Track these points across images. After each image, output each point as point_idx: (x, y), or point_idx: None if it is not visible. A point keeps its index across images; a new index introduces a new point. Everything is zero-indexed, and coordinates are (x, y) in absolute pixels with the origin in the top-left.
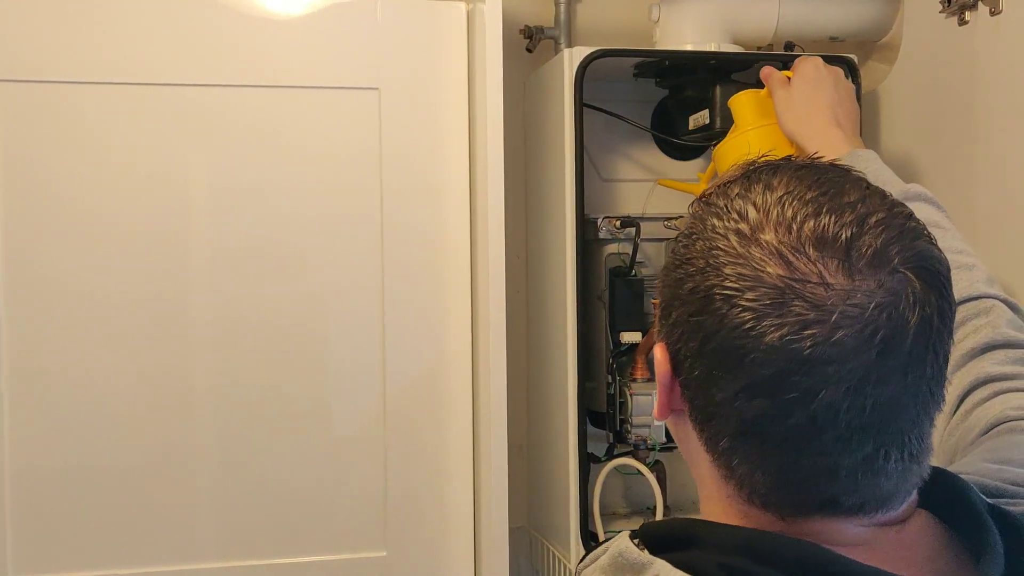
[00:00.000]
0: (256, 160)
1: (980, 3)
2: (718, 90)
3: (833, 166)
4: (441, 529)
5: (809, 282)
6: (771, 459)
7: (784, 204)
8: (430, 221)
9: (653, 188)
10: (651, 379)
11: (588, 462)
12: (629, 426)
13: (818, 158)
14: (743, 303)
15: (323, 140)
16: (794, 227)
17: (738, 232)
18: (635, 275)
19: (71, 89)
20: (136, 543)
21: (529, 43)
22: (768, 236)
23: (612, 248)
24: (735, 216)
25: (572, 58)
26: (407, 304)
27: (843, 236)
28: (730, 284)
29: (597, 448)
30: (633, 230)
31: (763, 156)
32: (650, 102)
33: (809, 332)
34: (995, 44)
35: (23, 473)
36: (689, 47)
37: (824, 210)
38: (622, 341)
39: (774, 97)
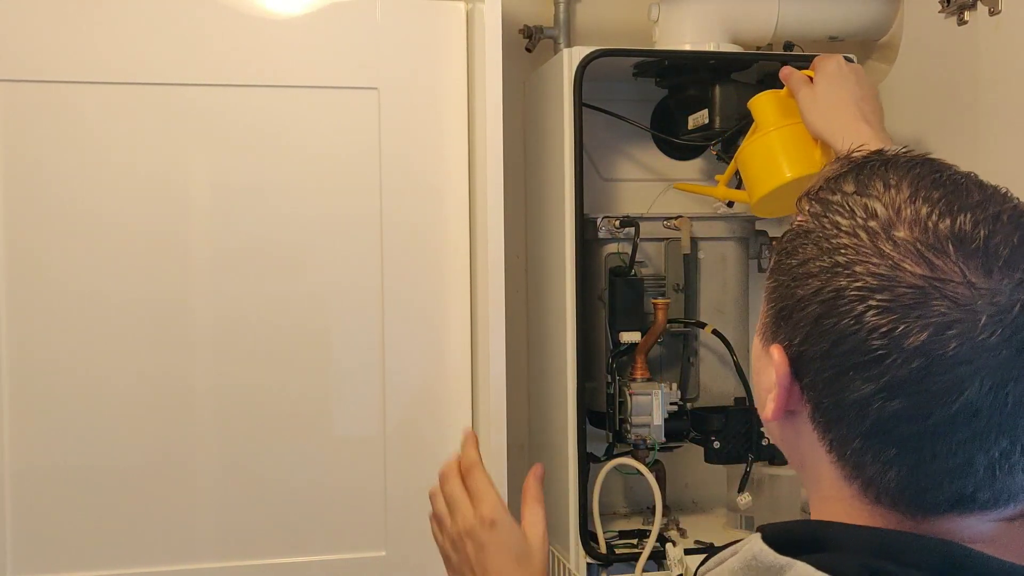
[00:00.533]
0: (256, 160)
1: (979, 3)
2: (717, 90)
3: (939, 162)
4: None
5: (952, 281)
6: (907, 458)
7: (916, 202)
8: (430, 221)
9: (665, 189)
10: (651, 379)
11: (587, 462)
12: (629, 426)
13: (910, 152)
14: (879, 303)
15: (323, 140)
16: (930, 225)
17: (867, 230)
18: (635, 275)
19: (71, 89)
20: (136, 543)
21: (528, 43)
22: (903, 234)
23: (612, 248)
24: (861, 213)
25: (571, 58)
26: (407, 304)
27: (980, 234)
28: (863, 284)
29: (597, 448)
30: (633, 230)
31: (857, 149)
32: (650, 102)
33: (952, 332)
34: (994, 44)
35: (23, 473)
36: (688, 47)
37: (956, 208)
38: (622, 341)
39: (797, 96)
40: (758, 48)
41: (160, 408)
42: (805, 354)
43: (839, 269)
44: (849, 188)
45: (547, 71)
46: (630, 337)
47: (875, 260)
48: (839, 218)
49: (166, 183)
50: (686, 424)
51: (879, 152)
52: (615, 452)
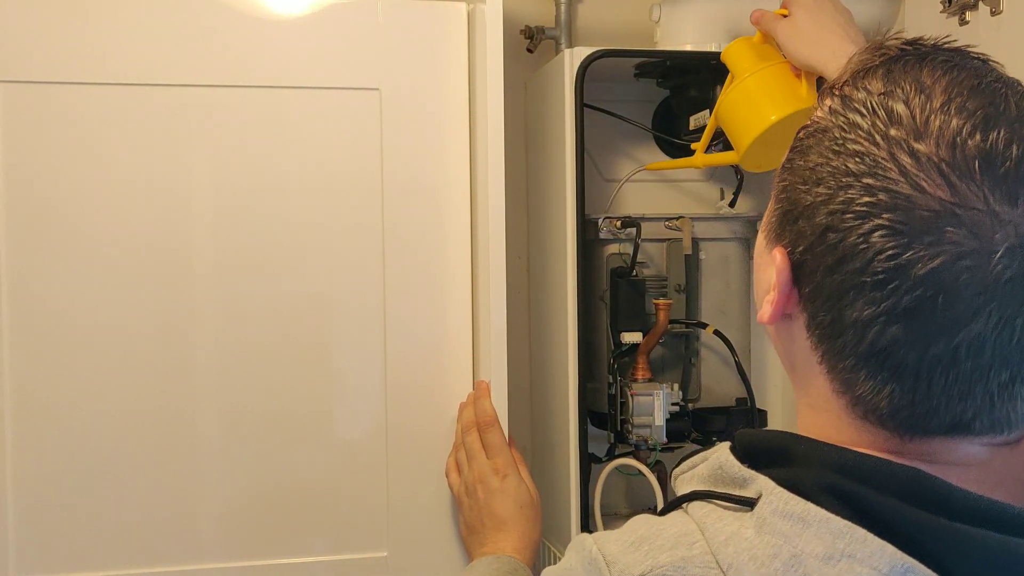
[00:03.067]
0: (256, 160)
1: (981, 3)
2: (719, 90)
3: (981, 61)
4: (443, 529)
5: (974, 208)
6: (902, 384)
7: (948, 110)
8: (431, 221)
9: (635, 171)
10: (652, 379)
11: (589, 462)
12: (630, 426)
13: (951, 44)
14: (890, 224)
15: (324, 141)
16: (958, 141)
17: (888, 138)
18: (636, 275)
19: (70, 90)
20: (139, 543)
21: (530, 43)
22: (926, 148)
23: (613, 248)
24: (883, 117)
25: (573, 58)
26: (408, 304)
27: (1013, 156)
28: (875, 200)
29: (598, 448)
30: (634, 230)
31: (892, 38)
32: (651, 102)
33: (965, 264)
34: (996, 44)
35: (26, 473)
36: (690, 47)
37: (991, 124)
38: (623, 341)
39: (776, 32)
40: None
41: (163, 409)
42: (807, 264)
43: (850, 179)
44: (876, 86)
45: (548, 71)
46: (632, 338)
47: (891, 175)
48: (858, 119)
49: (166, 184)
50: (688, 425)
51: (915, 42)
52: (616, 453)
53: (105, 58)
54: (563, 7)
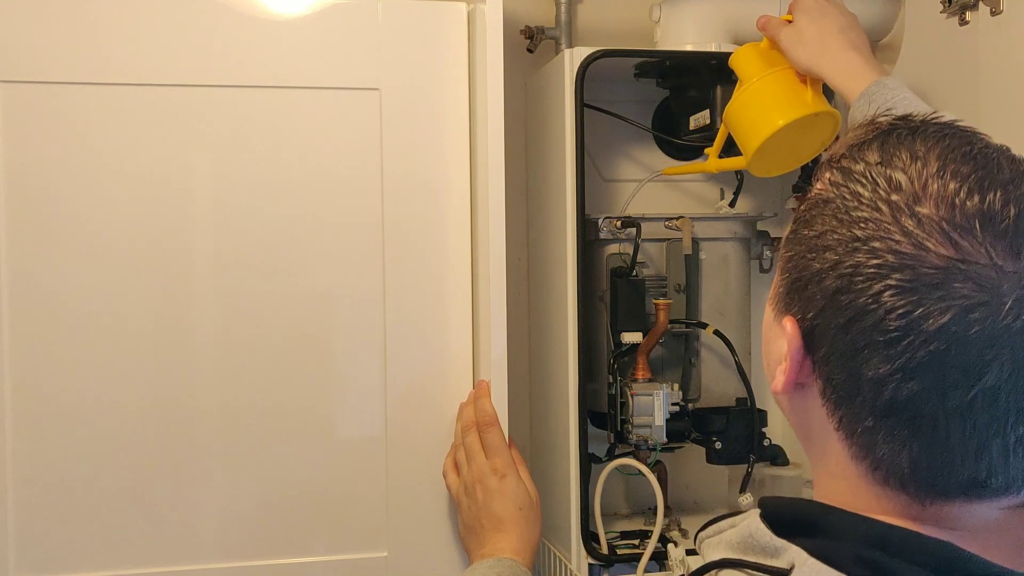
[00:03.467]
0: (257, 161)
1: (981, 3)
2: (719, 90)
3: (970, 133)
4: (443, 530)
5: (978, 263)
6: (920, 440)
7: (944, 176)
8: (431, 222)
9: (651, 177)
10: (652, 379)
11: (589, 462)
12: (630, 426)
13: (938, 118)
14: (899, 283)
15: (324, 141)
16: (957, 203)
17: (890, 204)
18: (636, 275)
19: (70, 90)
20: (138, 543)
21: (530, 43)
22: (927, 210)
23: (613, 248)
24: (884, 185)
25: (573, 58)
26: (408, 305)
27: (1010, 213)
28: (883, 261)
29: (598, 448)
30: (634, 230)
31: (883, 114)
32: (651, 102)
33: (975, 316)
34: (996, 44)
35: (26, 473)
36: (690, 47)
37: (987, 185)
38: (623, 341)
39: (780, 38)
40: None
41: (162, 408)
42: (819, 328)
43: (858, 243)
44: (873, 158)
45: (548, 72)
46: (631, 338)
47: (896, 237)
48: (860, 188)
49: (167, 184)
50: (687, 425)
51: (906, 118)
52: (616, 453)
53: (105, 58)
54: (563, 7)
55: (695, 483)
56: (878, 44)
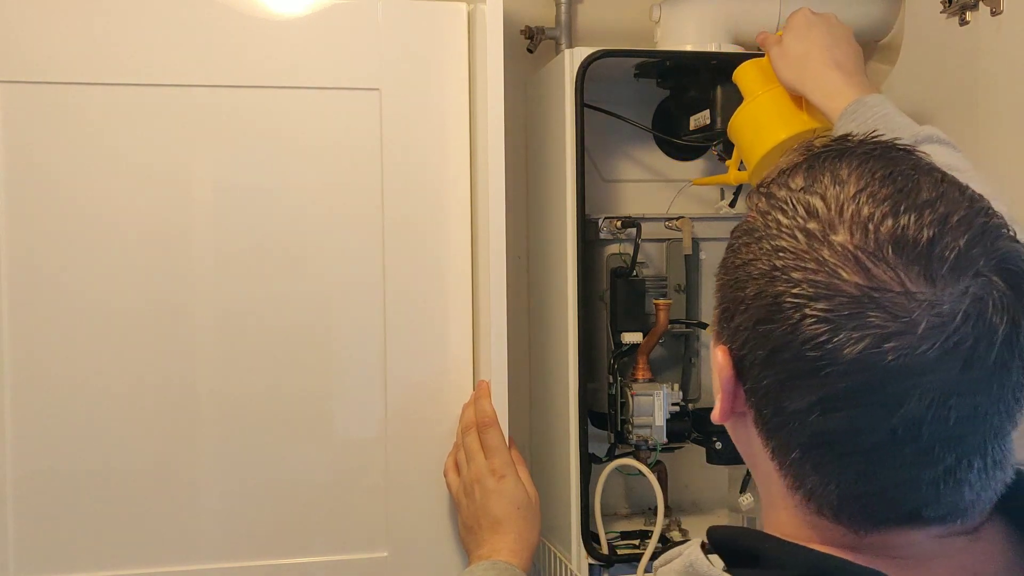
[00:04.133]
0: (258, 160)
1: (981, 3)
2: (719, 90)
3: (903, 152)
4: (443, 530)
5: (890, 291)
6: (847, 473)
7: (859, 201)
8: (431, 221)
9: (683, 188)
10: (653, 380)
11: (589, 463)
12: (630, 427)
13: (878, 138)
14: (816, 313)
15: (324, 141)
16: (871, 228)
17: (807, 232)
18: (636, 275)
19: (72, 90)
20: (139, 543)
21: (530, 44)
22: (841, 238)
23: (613, 248)
24: (802, 213)
25: (573, 59)
26: (408, 305)
27: (924, 238)
28: (800, 291)
29: (598, 448)
30: (634, 230)
31: (820, 137)
32: (651, 102)
33: (891, 345)
34: (996, 44)
35: (26, 473)
36: (690, 47)
37: (902, 209)
38: (623, 342)
39: (770, 55)
40: (759, 49)
41: (162, 408)
42: (745, 359)
43: (777, 274)
44: (796, 183)
45: (549, 72)
46: (632, 338)
47: (812, 266)
48: (781, 216)
49: (168, 184)
50: (687, 425)
51: (842, 139)
52: (617, 453)
53: (106, 58)
54: (563, 7)
55: (695, 483)
56: (878, 44)
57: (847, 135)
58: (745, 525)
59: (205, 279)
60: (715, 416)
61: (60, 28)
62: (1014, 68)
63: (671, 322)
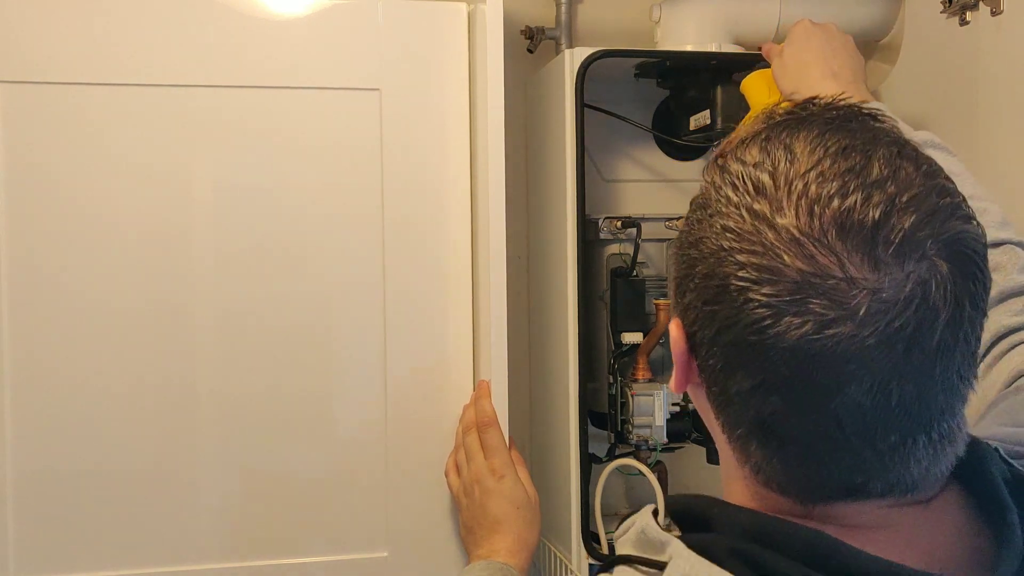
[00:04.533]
0: (258, 161)
1: (981, 3)
2: (719, 90)
3: (864, 119)
4: (443, 530)
5: (831, 277)
6: (789, 452)
7: (808, 179)
8: (431, 222)
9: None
10: (653, 380)
11: (589, 463)
12: (631, 427)
13: (841, 102)
14: (759, 297)
15: (324, 141)
16: (816, 209)
17: (752, 212)
18: (636, 275)
19: (70, 90)
20: (138, 543)
21: (530, 44)
22: (786, 220)
23: (613, 248)
24: (751, 190)
25: (573, 59)
26: (408, 304)
27: (869, 220)
28: (744, 275)
29: (598, 448)
30: (634, 230)
31: (783, 102)
32: (651, 102)
33: (831, 332)
34: (996, 44)
35: (26, 473)
36: (690, 47)
37: (851, 188)
38: (624, 342)
39: (772, 66)
40: (760, 49)
41: (162, 408)
42: (696, 335)
43: (724, 255)
44: (751, 156)
45: (549, 72)
46: (632, 338)
47: (757, 249)
48: (731, 193)
49: (168, 184)
50: (688, 425)
51: (804, 104)
52: (617, 453)
53: (105, 58)
54: (563, 7)
55: (695, 483)
56: (878, 44)
57: (812, 99)
58: None
59: (205, 279)
60: (671, 386)
61: (60, 28)
62: (1014, 68)
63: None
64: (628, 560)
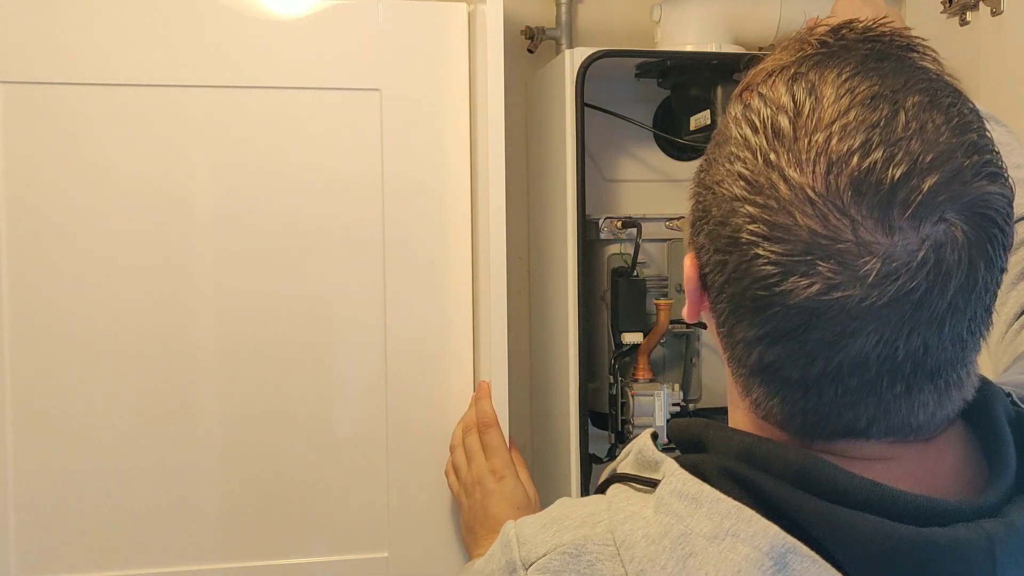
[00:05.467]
0: (257, 161)
1: (981, 3)
2: (720, 90)
3: (901, 55)
4: (443, 530)
5: (842, 240)
6: (790, 396)
7: (830, 133)
8: (432, 222)
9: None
10: (653, 380)
11: (590, 463)
12: (631, 427)
13: (881, 30)
14: (767, 254)
15: (325, 141)
16: (834, 169)
17: (768, 162)
18: (637, 275)
19: (70, 90)
20: (139, 543)
21: (531, 44)
22: (802, 179)
23: (614, 248)
24: (769, 134)
25: (573, 59)
26: (409, 304)
27: (888, 181)
28: (755, 229)
29: (599, 449)
30: (635, 230)
31: (823, 23)
32: (652, 102)
33: (837, 295)
34: (996, 44)
35: (27, 473)
36: (691, 47)
37: (874, 145)
38: (624, 342)
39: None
40: (760, 49)
41: (163, 409)
42: (707, 276)
43: (737, 204)
44: (776, 93)
45: (549, 72)
46: (632, 338)
47: (771, 203)
48: (750, 134)
49: (166, 184)
50: None
51: (840, 33)
52: (617, 453)
53: (105, 58)
54: (563, 7)
55: None
56: None
57: (849, 22)
58: None
59: (204, 280)
60: (685, 314)
61: (60, 28)
62: (1014, 67)
63: (672, 322)
64: (623, 479)
